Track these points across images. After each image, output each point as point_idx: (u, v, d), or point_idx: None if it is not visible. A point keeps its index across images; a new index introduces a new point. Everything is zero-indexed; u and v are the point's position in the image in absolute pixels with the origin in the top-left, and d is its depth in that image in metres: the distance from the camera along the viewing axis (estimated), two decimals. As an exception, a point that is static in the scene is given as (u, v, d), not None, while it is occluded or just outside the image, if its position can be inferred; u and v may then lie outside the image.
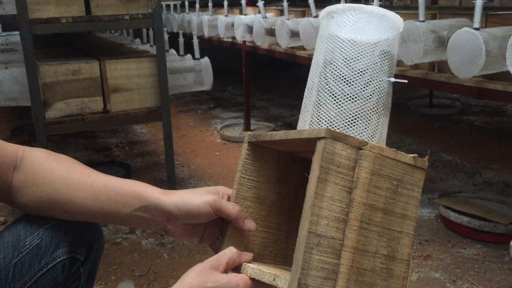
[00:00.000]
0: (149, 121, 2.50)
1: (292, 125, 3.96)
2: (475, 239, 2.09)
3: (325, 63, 0.81)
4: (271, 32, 2.82)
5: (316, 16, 2.57)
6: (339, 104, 0.79)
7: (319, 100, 0.80)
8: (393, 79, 0.82)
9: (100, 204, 0.84)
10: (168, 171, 2.41)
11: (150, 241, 2.19)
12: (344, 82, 0.79)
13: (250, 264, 0.77)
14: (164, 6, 4.63)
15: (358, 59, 0.79)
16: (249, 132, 0.84)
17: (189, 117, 4.49)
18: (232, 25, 3.28)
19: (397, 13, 0.86)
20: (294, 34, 2.61)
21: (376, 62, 0.80)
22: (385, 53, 0.80)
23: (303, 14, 2.87)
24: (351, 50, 0.79)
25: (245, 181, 0.84)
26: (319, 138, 0.69)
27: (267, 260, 0.86)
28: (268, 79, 6.12)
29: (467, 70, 1.62)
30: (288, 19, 2.70)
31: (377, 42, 0.79)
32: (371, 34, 0.80)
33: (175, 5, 4.58)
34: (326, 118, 0.79)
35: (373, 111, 0.79)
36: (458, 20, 1.90)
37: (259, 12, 3.01)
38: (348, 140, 0.71)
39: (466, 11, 2.04)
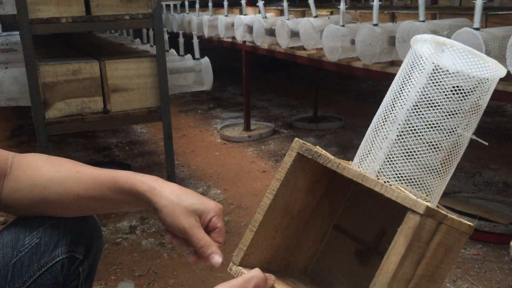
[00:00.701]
0: (149, 121, 2.50)
1: (292, 125, 3.96)
2: (475, 239, 2.09)
3: (420, 100, 0.71)
4: (271, 32, 2.82)
5: (316, 16, 2.57)
6: (426, 151, 0.71)
7: (402, 140, 0.71)
8: (474, 137, 0.76)
9: (94, 199, 0.84)
10: (168, 171, 2.41)
11: (150, 241, 2.18)
12: (437, 124, 0.70)
13: None
14: (164, 6, 4.63)
15: (466, 97, 0.71)
16: (299, 141, 0.77)
17: (189, 117, 4.49)
18: (232, 25, 3.28)
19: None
20: (294, 34, 2.61)
21: (469, 110, 0.73)
22: (477, 105, 0.73)
23: (303, 14, 2.87)
24: (461, 84, 0.71)
25: (282, 190, 0.78)
26: (413, 212, 0.63)
27: (274, 267, 0.84)
28: (268, 79, 6.12)
29: (467, 70, 1.62)
30: (288, 19, 2.70)
31: (478, 85, 0.72)
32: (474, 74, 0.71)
33: (175, 5, 4.58)
34: (405, 160, 0.72)
35: (448, 165, 0.74)
36: (458, 20, 1.90)
37: (259, 12, 3.01)
38: (437, 215, 0.66)
39: (466, 11, 2.04)
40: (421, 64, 0.72)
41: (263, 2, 2.93)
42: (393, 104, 0.74)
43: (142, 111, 2.34)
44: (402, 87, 0.74)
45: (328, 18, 2.54)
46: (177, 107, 4.77)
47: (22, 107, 2.33)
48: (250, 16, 3.17)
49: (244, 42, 3.40)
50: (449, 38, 1.68)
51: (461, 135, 0.73)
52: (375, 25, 2.12)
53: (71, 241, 0.87)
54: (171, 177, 2.39)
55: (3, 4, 2.09)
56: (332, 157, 0.74)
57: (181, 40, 2.73)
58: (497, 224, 2.05)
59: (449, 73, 0.70)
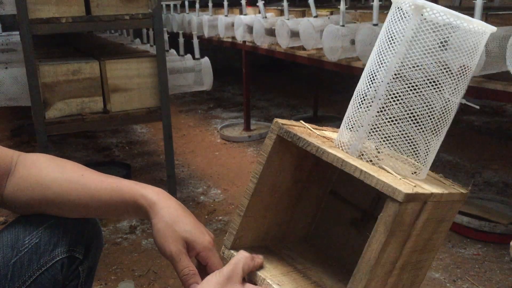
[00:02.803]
0: (149, 121, 2.50)
1: (292, 125, 3.96)
2: (475, 239, 2.09)
3: (404, 60, 0.68)
4: (271, 32, 2.82)
5: (316, 16, 2.57)
6: (411, 121, 0.68)
7: (388, 107, 0.69)
8: (464, 101, 0.74)
9: (95, 204, 0.85)
10: (168, 171, 2.41)
11: (150, 241, 2.18)
12: (419, 91, 0.68)
13: (270, 282, 0.74)
14: (164, 6, 4.63)
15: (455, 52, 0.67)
16: (278, 122, 0.77)
17: (189, 117, 4.49)
18: (232, 25, 3.28)
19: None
20: (294, 34, 2.61)
21: (457, 73, 0.69)
22: (465, 67, 0.70)
23: (303, 14, 2.87)
24: (449, 36, 0.66)
25: (266, 172, 0.78)
26: (392, 199, 0.62)
27: (268, 242, 0.84)
28: (268, 79, 6.12)
29: (467, 70, 1.62)
30: (288, 19, 2.70)
31: (466, 40, 0.67)
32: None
33: (175, 5, 4.58)
34: (385, 134, 0.70)
35: (436, 133, 0.72)
36: (458, 20, 1.90)
37: (259, 12, 3.01)
38: (419, 198, 0.64)
39: (466, 11, 2.04)
40: (405, 19, 0.69)
41: (263, 2, 2.93)
42: (378, 68, 0.71)
43: (142, 111, 2.34)
44: (384, 53, 0.71)
45: (328, 18, 2.54)
46: (177, 107, 4.77)
47: (22, 107, 2.33)
48: (250, 16, 3.17)
49: (244, 42, 3.40)
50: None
51: (449, 100, 0.71)
52: (375, 25, 2.12)
53: (71, 241, 0.87)
54: (171, 177, 2.39)
55: (3, 4, 2.09)
56: (312, 141, 0.72)
57: (181, 40, 2.72)
58: (497, 224, 2.05)
59: (438, 26, 0.67)
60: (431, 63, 0.69)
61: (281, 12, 2.93)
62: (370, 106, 0.71)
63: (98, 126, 2.34)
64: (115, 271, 1.96)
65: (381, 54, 0.72)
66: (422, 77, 0.69)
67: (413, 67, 0.69)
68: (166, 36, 2.50)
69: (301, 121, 0.80)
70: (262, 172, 0.77)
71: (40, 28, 2.06)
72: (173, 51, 2.83)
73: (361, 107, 0.73)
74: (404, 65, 0.69)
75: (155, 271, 1.95)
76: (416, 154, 0.71)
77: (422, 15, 0.68)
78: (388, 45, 0.71)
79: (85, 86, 2.21)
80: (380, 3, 2.17)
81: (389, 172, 0.68)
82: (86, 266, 0.91)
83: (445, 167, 2.95)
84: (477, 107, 0.79)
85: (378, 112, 0.71)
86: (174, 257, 0.79)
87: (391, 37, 0.71)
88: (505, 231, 2.04)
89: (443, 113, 0.71)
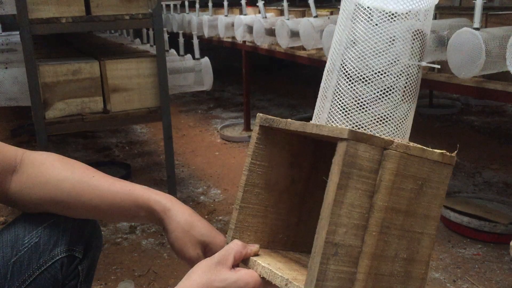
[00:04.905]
0: (149, 121, 2.50)
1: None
2: (475, 239, 2.09)
3: (348, 41, 0.72)
4: (271, 32, 2.82)
5: (316, 16, 2.57)
6: (364, 89, 0.70)
7: (339, 85, 0.72)
8: (424, 63, 0.73)
9: (105, 206, 0.85)
10: (168, 171, 2.41)
11: (150, 241, 2.18)
12: (368, 62, 0.70)
13: (260, 262, 0.74)
14: (164, 6, 4.63)
15: (386, 32, 0.70)
16: (261, 115, 0.79)
17: (189, 117, 4.49)
18: (232, 25, 3.28)
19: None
20: (294, 34, 2.61)
21: (406, 39, 0.71)
22: (416, 30, 0.71)
23: (303, 14, 2.87)
24: (379, 20, 0.70)
25: (255, 167, 0.79)
26: (341, 139, 0.63)
27: (277, 247, 0.84)
28: (268, 79, 6.12)
29: (467, 70, 1.62)
30: (288, 19, 2.70)
31: (408, 13, 0.70)
32: (402, 4, 0.70)
33: (175, 5, 4.58)
34: (347, 105, 0.72)
35: (400, 98, 0.72)
36: (458, 20, 1.90)
37: (259, 12, 3.01)
38: (372, 141, 0.64)
39: (466, 11, 2.04)
40: (344, 7, 0.74)
41: (263, 2, 2.93)
42: (335, 46, 0.75)
43: (142, 111, 2.34)
44: (335, 35, 0.75)
45: (328, 18, 2.54)
46: (177, 107, 4.77)
47: (22, 107, 2.33)
48: (250, 16, 3.17)
49: (244, 42, 3.40)
50: (449, 38, 1.69)
51: (409, 65, 0.72)
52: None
53: (70, 240, 0.87)
54: (171, 177, 2.39)
55: (3, 4, 2.09)
56: (284, 120, 0.74)
57: (181, 40, 2.72)
58: (497, 224, 2.05)
59: (366, 9, 0.71)
60: (380, 37, 0.72)
61: (281, 12, 2.93)
62: (331, 78, 0.75)
63: (98, 126, 2.34)
64: (115, 271, 1.96)
65: (336, 35, 0.77)
66: (372, 48, 0.72)
67: (362, 41, 0.72)
68: (166, 36, 2.50)
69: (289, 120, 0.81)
70: (251, 164, 0.78)
71: (40, 28, 2.06)
72: (173, 51, 2.83)
73: (325, 82, 0.77)
74: (349, 42, 0.73)
75: (155, 271, 1.95)
76: (380, 125, 0.73)
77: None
78: (342, 27, 0.76)
79: (85, 86, 2.21)
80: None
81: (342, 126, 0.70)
82: (85, 265, 0.91)
83: (445, 167, 2.95)
84: (438, 66, 0.82)
85: (336, 82, 0.74)
86: (194, 261, 0.81)
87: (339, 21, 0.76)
88: (505, 231, 2.04)
89: (406, 78, 0.73)
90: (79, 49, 2.94)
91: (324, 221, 0.63)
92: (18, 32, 3.66)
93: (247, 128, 3.81)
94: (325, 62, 2.69)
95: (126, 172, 2.92)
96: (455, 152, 0.72)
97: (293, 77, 6.18)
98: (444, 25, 1.84)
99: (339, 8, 2.74)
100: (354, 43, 0.72)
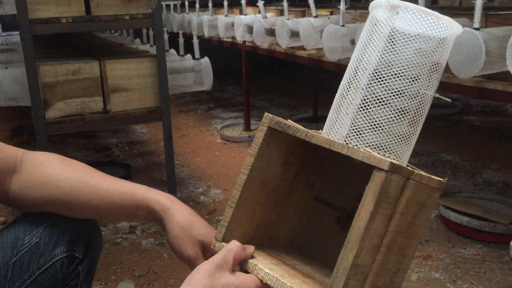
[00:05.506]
0: (149, 121, 2.50)
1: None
2: (475, 239, 2.09)
3: (380, 63, 0.72)
4: (271, 32, 2.82)
5: (316, 16, 2.57)
6: (383, 110, 0.72)
7: (366, 105, 0.73)
8: (437, 95, 0.76)
9: (105, 205, 0.85)
10: (168, 171, 2.41)
11: (150, 241, 2.19)
12: (400, 88, 0.71)
13: (262, 267, 0.75)
14: (164, 6, 4.63)
15: (426, 60, 0.71)
16: (270, 115, 0.79)
17: (189, 117, 4.49)
18: (232, 25, 3.28)
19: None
20: (294, 34, 2.61)
21: (430, 70, 0.73)
22: (436, 63, 0.74)
23: (303, 14, 2.87)
24: (421, 46, 0.71)
25: (257, 164, 0.80)
26: (379, 169, 0.66)
27: (258, 242, 0.85)
28: (268, 79, 6.12)
29: (467, 70, 1.62)
30: (288, 19, 2.70)
31: (438, 46, 0.72)
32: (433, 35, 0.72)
33: (175, 5, 4.58)
34: (371, 127, 0.73)
35: (414, 126, 0.75)
36: (458, 20, 1.89)
37: (259, 12, 3.01)
38: (402, 171, 0.67)
39: (466, 11, 2.04)
40: (378, 28, 0.73)
41: (263, 2, 2.93)
42: (356, 71, 0.75)
43: (142, 111, 2.34)
44: (363, 53, 0.75)
45: (328, 18, 2.54)
46: (177, 107, 4.78)
47: (22, 107, 2.33)
48: (250, 16, 3.17)
49: (244, 42, 3.40)
50: (449, 38, 1.69)
51: (425, 95, 0.74)
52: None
53: (71, 240, 0.87)
54: (171, 177, 2.39)
55: (3, 4, 2.09)
56: (301, 127, 0.76)
57: (181, 40, 2.72)
58: (497, 224, 2.05)
59: (409, 36, 0.71)
60: (406, 65, 0.72)
61: (281, 12, 2.93)
62: (352, 100, 0.75)
63: (98, 126, 2.34)
64: (115, 271, 1.96)
65: (362, 52, 0.76)
66: (398, 76, 0.73)
67: (388, 66, 0.73)
68: (166, 36, 2.50)
69: (289, 120, 0.82)
70: (253, 164, 0.79)
71: (40, 28, 2.06)
72: (173, 51, 2.83)
73: (345, 100, 0.76)
74: (380, 66, 0.73)
75: (155, 271, 1.95)
76: (394, 145, 0.75)
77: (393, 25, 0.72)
78: (366, 46, 0.75)
79: (85, 86, 2.21)
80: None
81: (372, 153, 0.71)
82: (85, 265, 0.91)
83: (445, 167, 2.95)
84: (449, 100, 0.84)
85: (360, 105, 0.74)
86: (193, 261, 0.82)
87: (369, 40, 0.75)
88: (505, 231, 2.04)
89: (418, 107, 0.75)
90: (79, 49, 2.94)
91: (353, 244, 0.66)
92: (18, 32, 3.67)
93: (247, 128, 3.81)
94: (325, 62, 2.69)
95: (126, 172, 2.92)
96: (446, 178, 0.76)
97: (293, 77, 6.18)
98: (444, 25, 1.84)
99: (339, 8, 2.71)
100: (388, 65, 0.72)
